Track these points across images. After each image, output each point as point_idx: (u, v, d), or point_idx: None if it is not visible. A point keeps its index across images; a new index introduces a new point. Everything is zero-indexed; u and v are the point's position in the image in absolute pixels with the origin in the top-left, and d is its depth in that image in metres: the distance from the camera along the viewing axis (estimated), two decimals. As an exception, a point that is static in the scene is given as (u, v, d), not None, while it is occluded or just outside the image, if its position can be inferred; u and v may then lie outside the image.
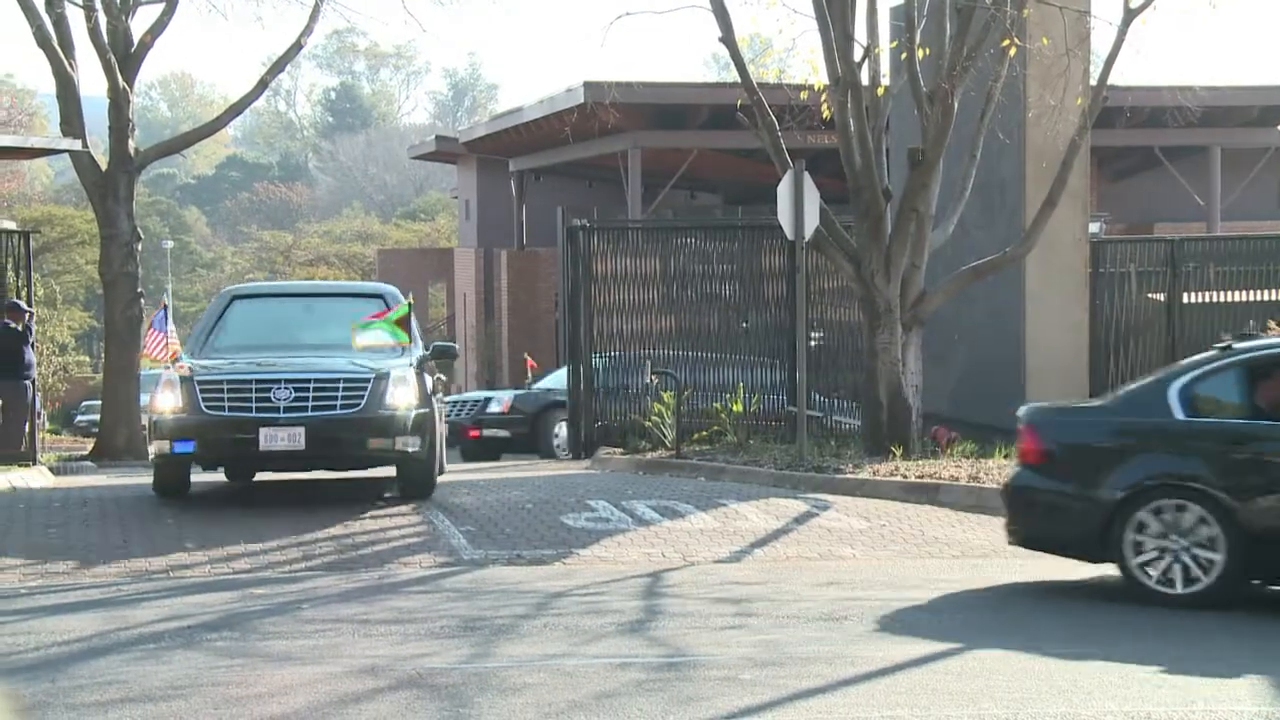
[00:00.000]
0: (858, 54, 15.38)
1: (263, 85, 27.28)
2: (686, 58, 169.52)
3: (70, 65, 24.66)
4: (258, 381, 11.66)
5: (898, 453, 14.67)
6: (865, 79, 15.62)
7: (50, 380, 38.37)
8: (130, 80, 25.18)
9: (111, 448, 24.16)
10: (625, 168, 32.37)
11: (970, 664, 6.89)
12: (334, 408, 11.63)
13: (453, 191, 56.77)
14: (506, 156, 39.56)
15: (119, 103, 24.70)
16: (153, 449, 11.91)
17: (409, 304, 12.81)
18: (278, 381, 11.61)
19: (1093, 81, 16.55)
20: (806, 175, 14.76)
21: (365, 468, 12.82)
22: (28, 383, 18.16)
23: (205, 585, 9.17)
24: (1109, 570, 9.87)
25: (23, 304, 18.34)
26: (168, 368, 12.77)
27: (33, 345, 18.56)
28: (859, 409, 17.12)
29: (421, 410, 12.02)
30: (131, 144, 24.98)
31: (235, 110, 28.23)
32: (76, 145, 22.60)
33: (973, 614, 8.25)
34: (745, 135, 18.88)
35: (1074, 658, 6.99)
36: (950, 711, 5.94)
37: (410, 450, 11.89)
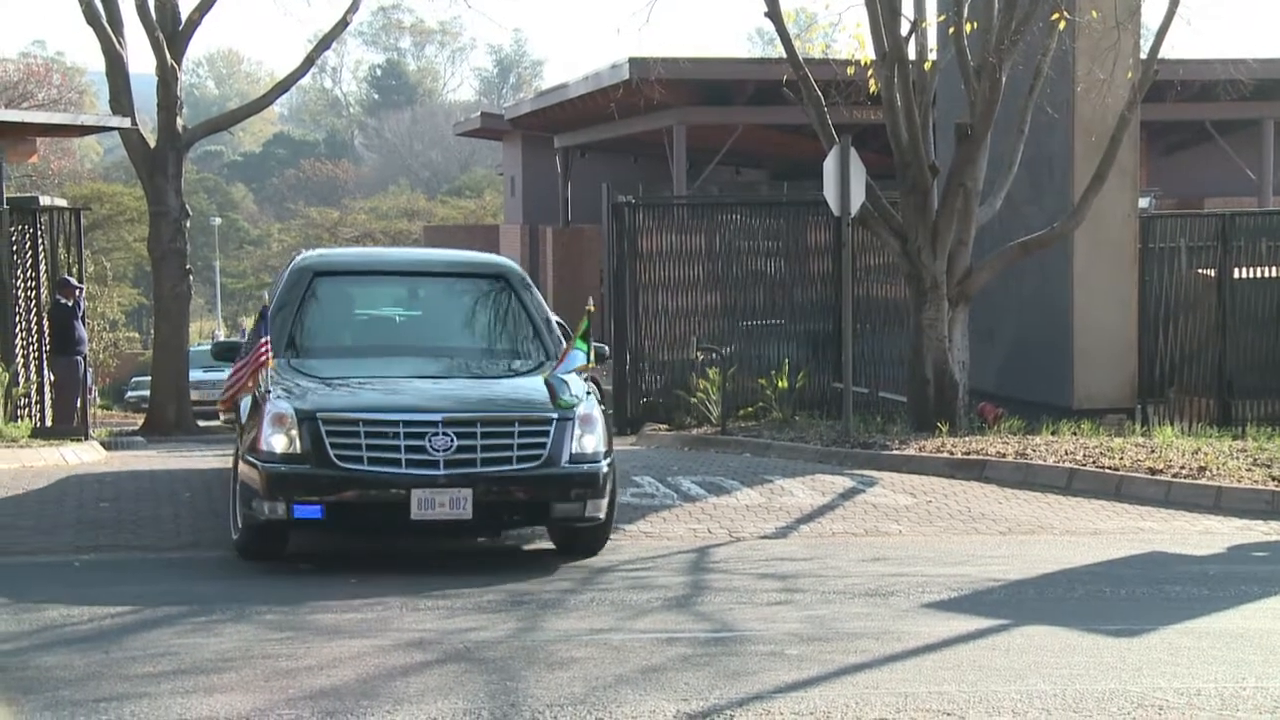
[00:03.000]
0: (904, 28, 15.29)
1: (309, 62, 27.41)
2: (730, 34, 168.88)
3: (119, 43, 24.83)
4: (407, 423, 8.46)
5: (944, 429, 14.62)
6: (912, 53, 15.53)
7: (101, 356, 38.75)
8: (178, 58, 25.34)
9: (162, 422, 24.41)
10: (670, 144, 32.32)
11: (1017, 640, 6.87)
12: (509, 460, 8.55)
13: (498, 168, 56.88)
14: (551, 133, 39.59)
15: (167, 80, 24.86)
16: (263, 506, 8.50)
17: (590, 312, 9.38)
18: (434, 424, 8.47)
19: (1143, 55, 16.39)
20: (853, 150, 14.70)
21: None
22: (79, 358, 18.37)
23: (258, 561, 9.24)
24: (1159, 546, 9.81)
25: (73, 280, 18.52)
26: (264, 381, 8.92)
27: (84, 321, 18.77)
28: (906, 385, 17.07)
29: (609, 457, 8.96)
30: (180, 121, 25.16)
31: (282, 87, 28.37)
32: (125, 123, 22.79)
33: (1019, 590, 8.23)
34: (791, 110, 18.84)
35: (1123, 634, 6.96)
36: (997, 687, 5.94)
37: (599, 517, 8.90)
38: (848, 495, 11.73)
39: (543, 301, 10.45)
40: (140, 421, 27.29)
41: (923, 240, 15.29)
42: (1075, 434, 14.61)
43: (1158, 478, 12.10)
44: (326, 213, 66.82)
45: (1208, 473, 12.22)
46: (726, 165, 36.13)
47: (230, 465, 11.63)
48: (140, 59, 25.22)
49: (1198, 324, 18.22)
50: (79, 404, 18.32)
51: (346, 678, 6.07)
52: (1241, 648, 6.74)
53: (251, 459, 8.61)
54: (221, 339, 10.84)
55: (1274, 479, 11.97)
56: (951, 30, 15.57)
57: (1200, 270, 18.34)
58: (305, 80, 54.85)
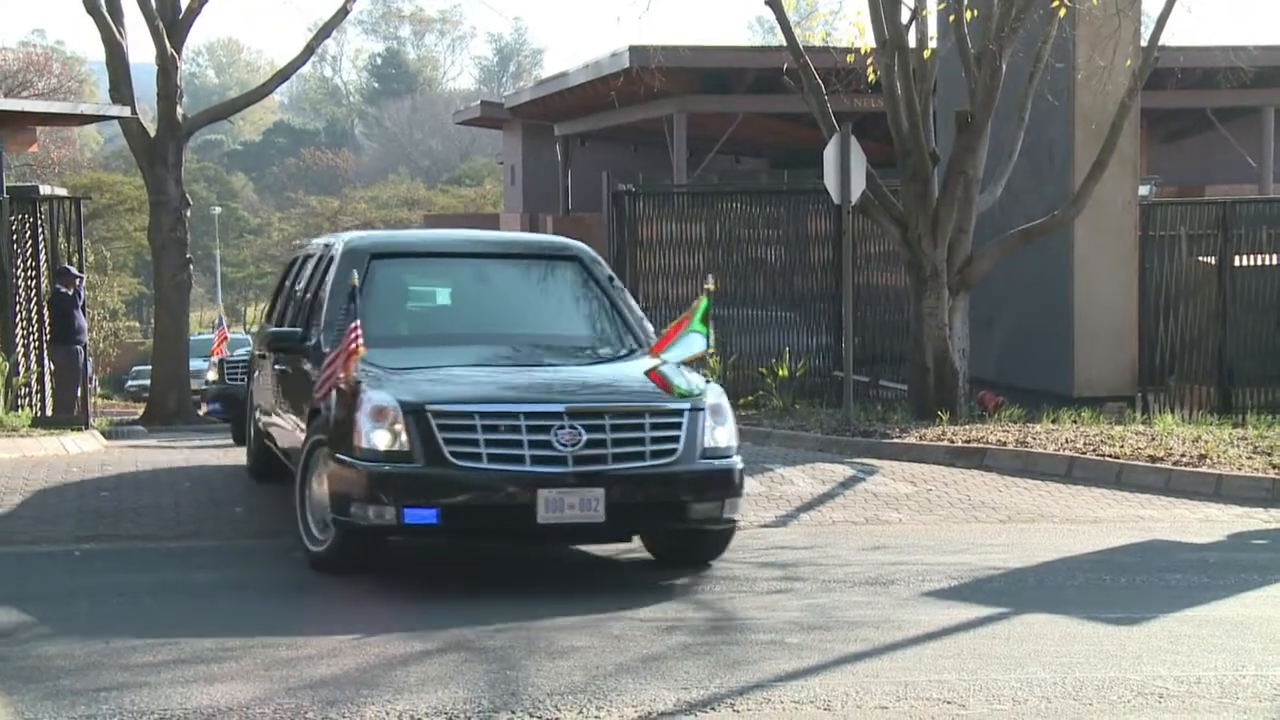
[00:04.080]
0: (905, 16, 15.26)
1: (309, 51, 27.40)
2: (730, 23, 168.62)
3: (119, 32, 24.81)
4: (529, 414, 7.54)
5: (944, 417, 14.62)
6: (912, 41, 15.51)
7: (101, 345, 38.77)
8: (178, 46, 25.32)
9: (162, 411, 24.43)
10: (670, 132, 32.30)
11: (1017, 628, 6.88)
12: (642, 456, 7.66)
13: (498, 157, 56.84)
14: (552, 121, 39.55)
15: (167, 69, 24.84)
16: (366, 511, 7.50)
17: (710, 291, 8.44)
18: (558, 415, 7.57)
19: (1143, 42, 16.37)
20: (853, 139, 14.68)
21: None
22: (79, 348, 18.37)
23: (254, 550, 9.25)
24: (1160, 534, 9.82)
25: (73, 269, 18.52)
26: (357, 368, 7.90)
27: (84, 310, 18.77)
28: (906, 374, 17.07)
29: (740, 452, 8.18)
30: (179, 110, 25.15)
31: (282, 76, 28.37)
32: (125, 112, 22.76)
33: (1020, 578, 8.23)
34: (791, 99, 18.80)
35: (1123, 622, 6.96)
36: (997, 675, 5.94)
37: (736, 519, 8.13)
38: (848, 484, 11.73)
39: (620, 284, 9.63)
40: (140, 411, 27.31)
41: (923, 228, 15.28)
42: (1075, 422, 14.62)
43: (1158, 465, 12.10)
44: (327, 202, 66.78)
45: (1208, 460, 12.22)
46: (727, 154, 36.10)
47: (249, 463, 11.57)
48: (140, 48, 25.27)
49: (1198, 312, 18.21)
50: (79, 393, 18.33)
51: (348, 667, 6.07)
52: (1242, 635, 6.75)
53: (346, 458, 7.61)
54: (273, 329, 9.08)
55: (1274, 467, 11.97)
56: (952, 18, 15.55)
57: (1201, 258, 18.33)
58: (305, 69, 54.96)
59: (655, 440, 7.71)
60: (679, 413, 7.81)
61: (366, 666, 6.08)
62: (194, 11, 25.52)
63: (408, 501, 7.43)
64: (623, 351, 8.99)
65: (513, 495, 7.45)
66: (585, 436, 7.55)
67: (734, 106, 31.97)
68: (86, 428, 16.96)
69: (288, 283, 10.91)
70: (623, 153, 38.80)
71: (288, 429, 9.49)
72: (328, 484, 7.84)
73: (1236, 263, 18.18)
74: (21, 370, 17.62)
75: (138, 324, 56.51)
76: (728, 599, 7.59)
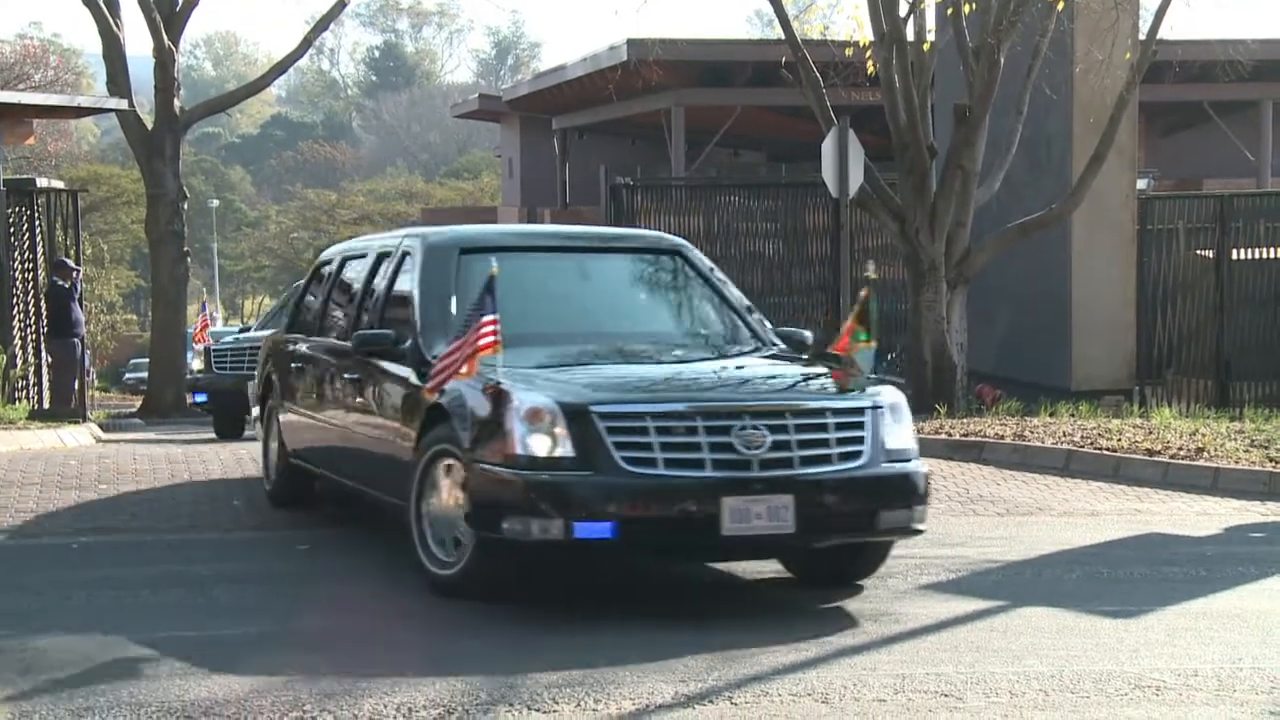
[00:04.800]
0: (903, 9, 15.26)
1: (306, 44, 27.37)
2: (729, 16, 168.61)
3: (116, 24, 24.79)
4: (707, 414, 6.82)
5: (942, 410, 14.63)
6: (911, 34, 15.51)
7: (99, 338, 38.78)
8: (175, 39, 25.30)
9: (160, 404, 24.43)
10: (669, 125, 32.29)
11: (1015, 621, 6.88)
12: (829, 460, 6.95)
13: (496, 150, 56.83)
14: (550, 115, 39.52)
15: (164, 62, 24.82)
16: (529, 526, 6.64)
17: (870, 278, 7.69)
18: (738, 414, 6.86)
19: (1141, 35, 16.37)
20: (851, 132, 14.69)
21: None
22: (76, 340, 18.36)
23: (253, 543, 9.25)
24: (1157, 527, 9.83)
25: (70, 262, 18.51)
26: (489, 367, 7.03)
27: (81, 303, 18.76)
28: (904, 367, 17.08)
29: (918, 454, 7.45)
30: (177, 103, 25.13)
31: (279, 69, 28.35)
32: (122, 104, 22.75)
33: (1017, 571, 8.24)
34: (789, 92, 18.79)
35: (1120, 615, 6.97)
36: (995, 668, 5.95)
37: (923, 529, 7.35)
38: (846, 477, 11.71)
39: (723, 276, 9.02)
40: (138, 403, 27.30)
41: (921, 222, 15.29)
42: (1073, 415, 14.62)
43: (1155, 459, 12.11)
44: (324, 195, 66.74)
45: (1205, 454, 12.23)
46: (725, 147, 36.08)
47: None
48: (137, 40, 25.28)
49: (1196, 305, 18.22)
50: (77, 386, 18.32)
51: (344, 660, 6.06)
52: (1238, 629, 6.75)
53: (494, 466, 6.78)
54: (364, 332, 8.00)
55: (1271, 460, 11.98)
56: (950, 11, 15.55)
57: (1198, 251, 18.34)
58: (303, 62, 54.87)
59: (840, 442, 7.00)
60: (861, 410, 7.11)
61: (364, 659, 6.08)
62: (191, 4, 25.49)
63: (579, 514, 6.58)
64: (751, 348, 8.35)
65: (695, 505, 6.66)
66: (770, 438, 6.81)
67: (732, 100, 31.96)
68: (84, 420, 16.95)
69: (321, 288, 10.04)
70: (621, 146, 38.79)
71: (372, 442, 8.27)
72: (467, 497, 6.97)
73: (1234, 256, 18.20)
74: (19, 363, 17.62)
75: (135, 317, 56.50)
76: (722, 592, 7.59)
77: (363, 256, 9.47)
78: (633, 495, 6.64)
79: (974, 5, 15.34)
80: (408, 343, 7.99)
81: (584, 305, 8.61)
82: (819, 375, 7.53)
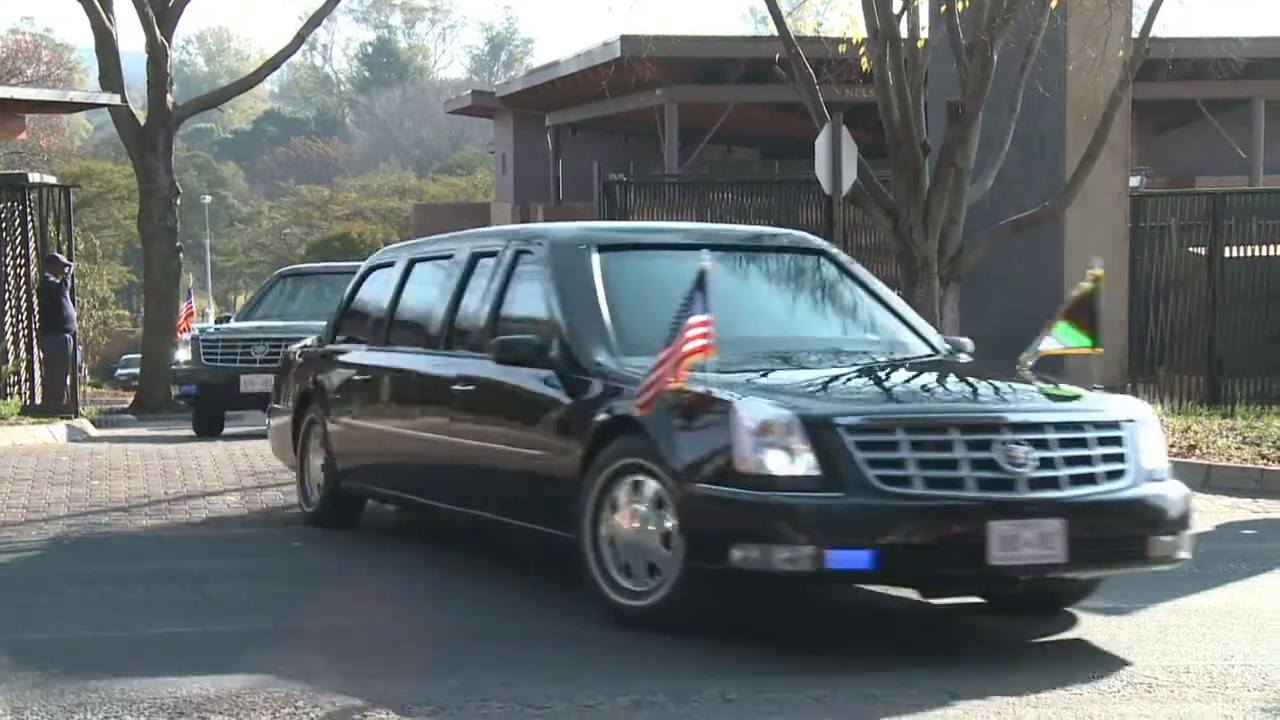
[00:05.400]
0: (896, 6, 15.25)
1: (299, 39, 27.34)
2: (722, 13, 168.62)
3: (109, 20, 24.76)
4: (965, 425, 6.10)
5: (935, 408, 14.61)
6: (904, 32, 15.50)
7: (91, 334, 38.72)
8: (168, 34, 25.27)
9: (152, 400, 24.40)
10: (662, 122, 32.29)
11: (1005, 619, 6.88)
12: (1093, 479, 6.17)
13: (489, 146, 56.80)
14: (543, 111, 39.51)
15: (157, 57, 24.79)
16: (770, 556, 5.88)
17: (1096, 275, 7.05)
18: (995, 426, 6.12)
19: (1134, 33, 16.39)
20: (844, 129, 14.68)
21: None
22: (68, 336, 18.34)
23: (246, 539, 9.25)
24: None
25: (62, 258, 18.49)
26: (691, 378, 6.27)
27: (73, 299, 18.74)
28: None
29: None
30: (169, 98, 25.10)
31: (272, 65, 28.32)
32: (115, 100, 22.71)
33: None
34: (782, 89, 18.79)
35: (1112, 613, 6.97)
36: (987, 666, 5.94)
37: (1188, 557, 6.57)
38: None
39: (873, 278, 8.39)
40: (130, 399, 27.27)
41: (914, 219, 15.29)
42: (1065, 413, 14.60)
43: (1147, 456, 12.10)
44: (317, 190, 66.69)
45: (1197, 451, 12.25)
46: (718, 144, 36.09)
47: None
48: (130, 36, 25.28)
49: (1188, 303, 18.24)
50: (69, 382, 18.30)
51: (338, 655, 6.06)
52: (1229, 625, 6.76)
53: (718, 486, 6.01)
54: (507, 338, 7.10)
55: (1263, 457, 12.00)
56: (944, 8, 15.54)
57: (1191, 249, 18.36)
58: (295, 57, 54.85)
59: (1104, 459, 6.22)
60: (1119, 424, 6.36)
61: (357, 655, 6.07)
62: (184, -1, 25.47)
63: (834, 541, 5.83)
64: (936, 355, 7.68)
65: (960, 530, 5.92)
66: (1036, 456, 6.05)
67: (726, 96, 31.97)
68: (76, 416, 16.95)
69: (382, 292, 9.17)
70: (614, 142, 38.78)
71: (500, 460, 7.41)
72: (678, 522, 6.17)
73: (1226, 254, 18.22)
74: (11, 358, 17.61)
75: (127, 312, 56.41)
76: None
77: (444, 258, 8.67)
78: (893, 519, 5.88)
79: (967, 3, 15.34)
80: (553, 349, 7.15)
81: (741, 309, 7.54)
82: (1049, 386, 6.74)
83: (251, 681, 5.62)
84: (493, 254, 8.12)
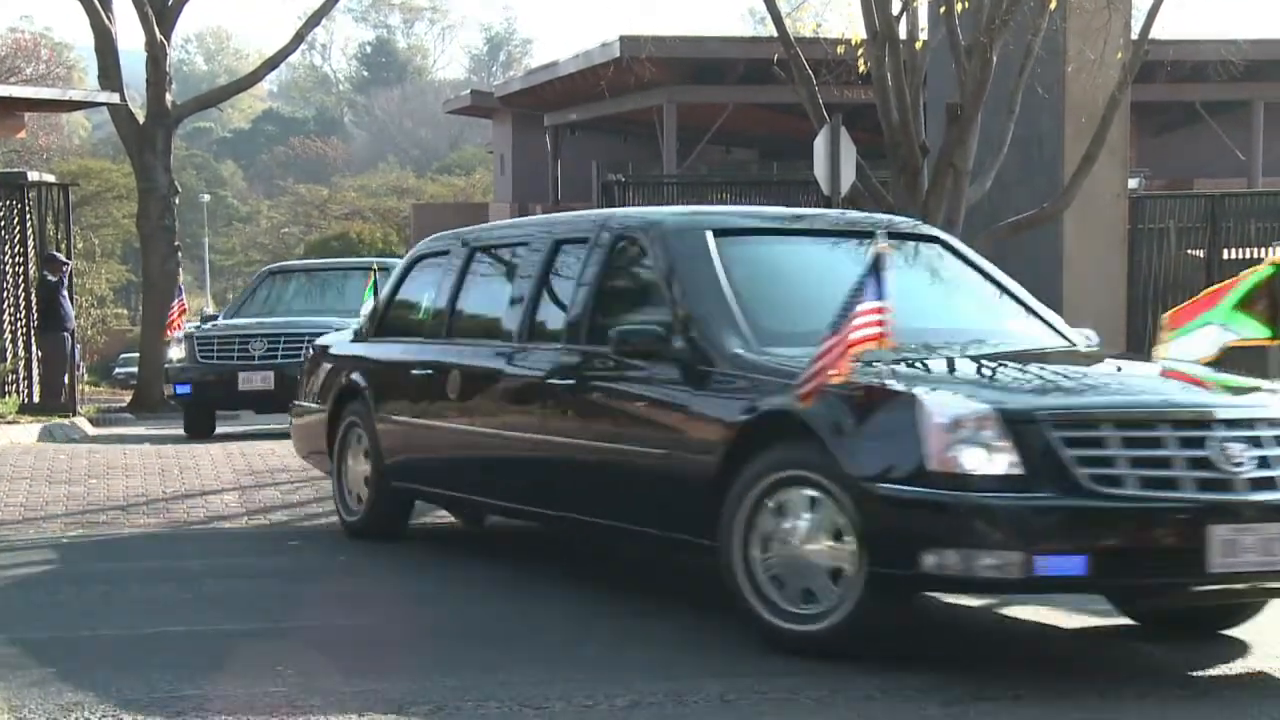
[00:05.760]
0: (896, 7, 15.26)
1: (298, 39, 27.32)
2: (721, 13, 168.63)
3: (108, 18, 24.75)
4: (1177, 421, 5.67)
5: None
6: (903, 33, 15.50)
7: (89, 333, 38.69)
8: (167, 33, 25.26)
9: (149, 399, 24.38)
10: (660, 122, 32.29)
11: (1004, 619, 6.88)
12: None
13: (488, 146, 56.82)
14: (541, 111, 39.51)
15: (156, 56, 24.78)
16: (972, 561, 5.45)
17: (1276, 262, 6.68)
18: (1206, 422, 5.67)
19: (1134, 35, 16.40)
20: (843, 130, 14.69)
21: None
22: (66, 335, 18.34)
23: (244, 537, 9.25)
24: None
25: (60, 256, 18.49)
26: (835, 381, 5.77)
27: (71, 297, 18.73)
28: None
29: None
30: (169, 97, 25.08)
31: (271, 64, 28.31)
32: (114, 98, 22.69)
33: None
34: (781, 90, 18.78)
35: (1108, 614, 6.97)
36: (980, 666, 5.94)
37: None
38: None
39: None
40: (128, 398, 27.26)
41: (913, 220, 15.31)
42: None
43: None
44: (316, 190, 66.63)
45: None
46: (717, 144, 36.07)
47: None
48: (129, 35, 25.24)
49: (1186, 305, 18.26)
50: (66, 380, 18.30)
51: (337, 654, 6.06)
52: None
53: (907, 487, 5.53)
54: (627, 328, 6.59)
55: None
56: (943, 9, 15.54)
57: (1189, 251, 18.37)
58: (294, 57, 54.81)
59: None
60: None
61: (356, 653, 6.07)
62: (183, -2, 25.45)
63: (1045, 545, 5.38)
64: (1079, 346, 7.20)
65: (1178, 534, 5.46)
66: (1252, 453, 5.58)
67: (724, 97, 31.96)
68: (74, 415, 16.95)
69: (438, 284, 8.55)
70: (613, 143, 38.77)
71: (610, 462, 6.86)
72: (857, 528, 5.67)
73: (1225, 256, 18.23)
74: (9, 357, 17.61)
75: (126, 311, 56.36)
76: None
77: (514, 246, 8.19)
78: (1109, 522, 5.44)
79: (966, 4, 15.35)
80: (677, 340, 6.60)
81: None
82: (1229, 379, 6.32)
83: (249, 680, 5.61)
84: (579, 240, 7.56)
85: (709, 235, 7.03)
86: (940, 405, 5.56)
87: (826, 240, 7.58)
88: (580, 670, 5.78)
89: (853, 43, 16.08)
